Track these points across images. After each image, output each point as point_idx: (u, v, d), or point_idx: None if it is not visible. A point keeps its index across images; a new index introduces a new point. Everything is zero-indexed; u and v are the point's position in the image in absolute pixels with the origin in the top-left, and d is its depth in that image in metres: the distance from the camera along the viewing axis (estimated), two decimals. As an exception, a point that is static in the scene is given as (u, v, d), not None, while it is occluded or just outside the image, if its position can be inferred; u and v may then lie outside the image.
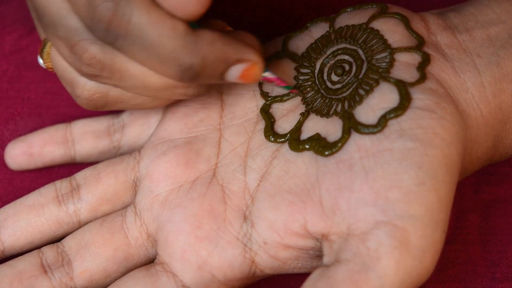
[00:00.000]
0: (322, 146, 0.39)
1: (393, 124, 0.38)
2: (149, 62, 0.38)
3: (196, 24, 0.39)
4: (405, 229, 0.36)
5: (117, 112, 0.47)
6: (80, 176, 0.44)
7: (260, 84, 0.44)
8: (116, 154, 0.46)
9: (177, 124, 0.44)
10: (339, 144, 0.39)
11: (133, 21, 0.36)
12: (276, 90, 0.43)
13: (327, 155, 0.39)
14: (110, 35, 0.37)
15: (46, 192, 0.44)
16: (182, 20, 0.37)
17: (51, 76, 0.50)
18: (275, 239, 0.39)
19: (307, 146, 0.40)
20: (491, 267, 0.44)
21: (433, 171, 0.37)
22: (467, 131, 0.40)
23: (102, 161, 0.45)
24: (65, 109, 0.49)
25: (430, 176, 0.37)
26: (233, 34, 0.40)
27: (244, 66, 0.38)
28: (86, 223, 0.43)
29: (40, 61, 0.43)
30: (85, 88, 0.41)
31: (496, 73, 0.40)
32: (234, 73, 0.39)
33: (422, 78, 0.39)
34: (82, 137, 0.46)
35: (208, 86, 0.41)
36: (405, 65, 0.40)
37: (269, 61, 0.44)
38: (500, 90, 0.40)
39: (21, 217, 0.43)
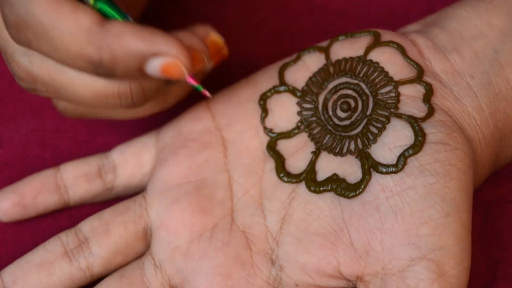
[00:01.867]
0: (344, 189, 0.40)
1: (412, 161, 0.39)
2: (65, 60, 0.37)
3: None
4: (439, 261, 0.38)
5: (104, 150, 0.46)
6: (86, 227, 0.43)
7: (263, 119, 0.43)
8: (110, 196, 0.45)
9: (181, 168, 0.43)
10: (362, 186, 0.40)
11: (35, 20, 0.36)
12: (280, 126, 0.43)
13: (351, 197, 0.40)
14: (23, 38, 0.37)
15: (53, 248, 0.42)
16: (88, 14, 0.36)
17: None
18: (306, 281, 0.40)
19: (328, 188, 0.40)
20: (492, 266, 0.44)
21: (455, 201, 0.39)
22: (474, 155, 0.41)
23: (96, 203, 0.45)
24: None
25: (454, 206, 0.39)
26: (148, 28, 0.37)
27: (162, 60, 0.36)
28: (99, 276, 0.42)
29: None
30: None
31: (490, 93, 0.41)
32: (152, 67, 0.36)
33: (431, 111, 0.40)
34: (74, 182, 0.45)
35: (142, 95, 0.39)
36: (411, 99, 0.41)
37: (269, 96, 0.43)
38: (495, 110, 0.42)
39: (31, 277, 0.42)
